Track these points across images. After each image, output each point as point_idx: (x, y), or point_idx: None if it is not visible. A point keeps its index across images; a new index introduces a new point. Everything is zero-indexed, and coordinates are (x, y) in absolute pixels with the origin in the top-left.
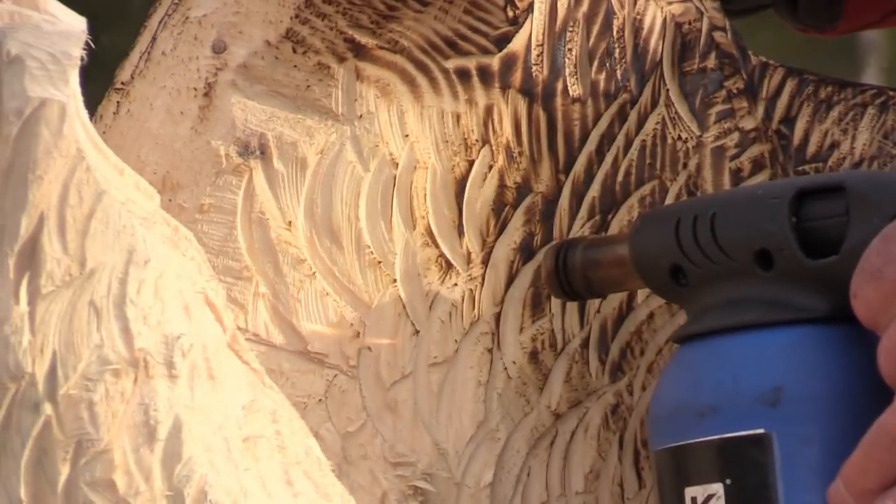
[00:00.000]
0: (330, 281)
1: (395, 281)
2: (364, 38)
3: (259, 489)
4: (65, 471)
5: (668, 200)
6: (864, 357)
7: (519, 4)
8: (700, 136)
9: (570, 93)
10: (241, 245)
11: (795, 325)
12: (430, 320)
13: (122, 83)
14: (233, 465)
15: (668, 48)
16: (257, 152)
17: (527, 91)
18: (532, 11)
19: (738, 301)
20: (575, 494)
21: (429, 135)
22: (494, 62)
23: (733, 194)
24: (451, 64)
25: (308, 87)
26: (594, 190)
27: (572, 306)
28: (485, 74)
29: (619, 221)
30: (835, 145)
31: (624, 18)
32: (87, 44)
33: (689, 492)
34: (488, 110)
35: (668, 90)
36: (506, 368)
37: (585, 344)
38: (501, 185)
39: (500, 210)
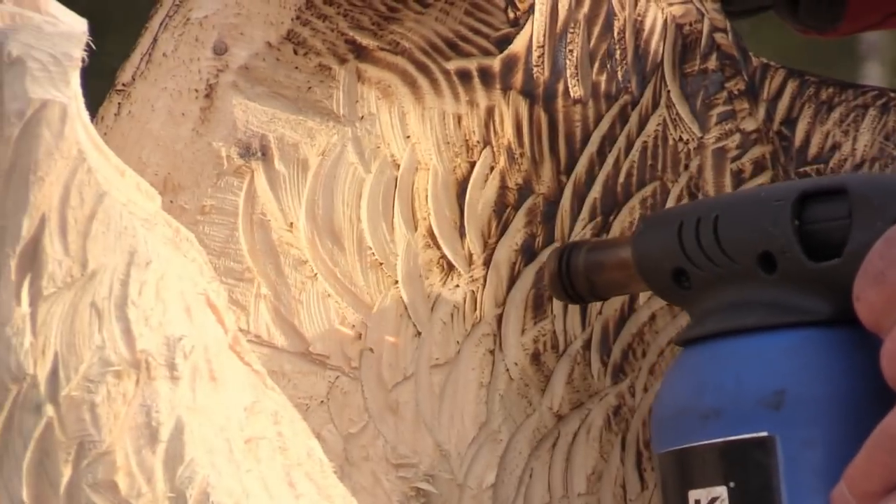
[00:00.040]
0: (331, 282)
1: (396, 282)
2: (365, 40)
3: (261, 491)
4: (67, 472)
5: (670, 202)
6: (866, 360)
7: (520, 6)
8: (701, 138)
9: (572, 94)
10: (243, 246)
11: (798, 328)
12: (431, 322)
13: (124, 84)
14: (235, 466)
15: (669, 49)
16: (259, 154)
17: (528, 92)
18: (533, 13)
19: (741, 304)
20: (577, 496)
21: (430, 136)
22: (495, 63)
23: (736, 197)
24: (452, 65)
25: (309, 88)
26: (595, 191)
27: (574, 308)
28: (486, 76)
29: (621, 223)
30: (836, 147)
31: (625, 20)
32: (87, 45)
33: (693, 495)
34: (489, 112)
35: (669, 91)
36: (508, 370)
37: (587, 345)
38: (503, 187)
39: (502, 211)
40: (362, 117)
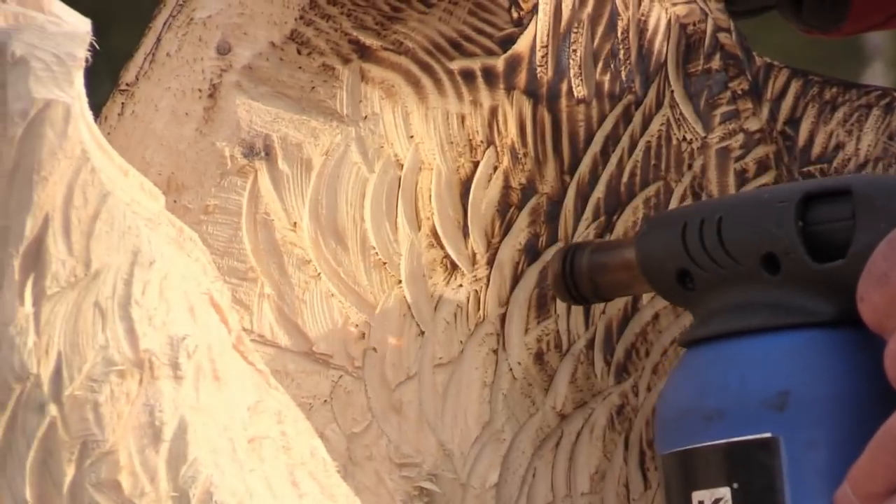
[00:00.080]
0: (335, 282)
1: (400, 282)
2: (369, 40)
3: (264, 490)
4: (70, 472)
5: (673, 201)
6: (870, 361)
7: (523, 6)
8: (705, 138)
9: (575, 94)
10: (246, 246)
11: (802, 329)
12: (435, 321)
13: (127, 84)
14: (238, 465)
15: (672, 49)
16: (262, 153)
17: (531, 92)
18: (537, 13)
19: (745, 305)
20: (580, 495)
21: (433, 136)
22: (499, 63)
23: (739, 198)
24: (455, 65)
25: (313, 88)
26: (599, 191)
27: (577, 307)
28: (489, 76)
29: (624, 222)
30: (840, 146)
31: (628, 19)
32: (91, 45)
33: (697, 496)
34: (493, 111)
35: (672, 91)
36: (511, 369)
37: (591, 345)
38: (506, 187)
39: (505, 211)
40: (366, 117)
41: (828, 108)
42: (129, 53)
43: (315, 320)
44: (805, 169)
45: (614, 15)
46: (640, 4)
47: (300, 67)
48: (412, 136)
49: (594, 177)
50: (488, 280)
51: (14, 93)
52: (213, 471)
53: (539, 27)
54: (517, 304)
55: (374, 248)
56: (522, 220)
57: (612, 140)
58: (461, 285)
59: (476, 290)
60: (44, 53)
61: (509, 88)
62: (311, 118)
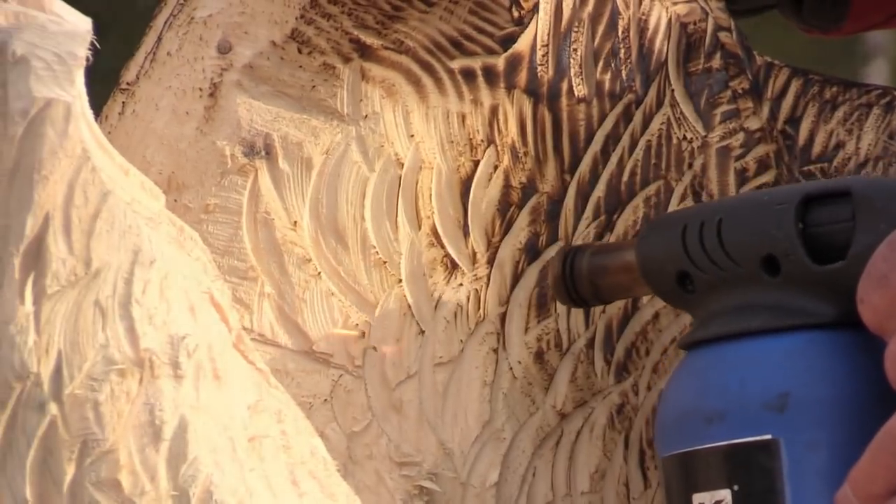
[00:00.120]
0: (335, 281)
1: (400, 281)
2: (369, 39)
3: (264, 489)
4: (70, 471)
5: (674, 200)
6: (870, 362)
7: (524, 5)
8: (705, 137)
9: (576, 93)
10: (247, 245)
11: (802, 331)
12: (435, 320)
13: (128, 83)
14: (238, 465)
15: (673, 48)
16: (262, 152)
17: (532, 91)
18: (537, 12)
19: (745, 307)
20: (580, 494)
21: (434, 135)
22: (500, 62)
23: (739, 200)
24: (456, 64)
25: (313, 87)
26: (599, 190)
27: None
28: (490, 75)
29: (625, 221)
30: (840, 145)
31: (629, 18)
32: (92, 44)
33: (697, 498)
34: (493, 110)
35: (673, 90)
36: (511, 368)
37: (591, 344)
38: (507, 186)
39: (506, 210)
40: (366, 116)
41: (828, 107)
42: (130, 52)
43: (315, 319)
44: (805, 168)
45: (615, 14)
46: (640, 3)
47: (301, 66)
48: (413, 135)
49: (595, 176)
50: (488, 279)
51: (15, 92)
52: (213, 470)
53: (540, 26)
54: (517, 303)
55: (374, 247)
56: (523, 219)
57: (612, 139)
58: (461, 284)
59: (476, 290)
60: (45, 52)
61: (510, 87)
62: (312, 117)
